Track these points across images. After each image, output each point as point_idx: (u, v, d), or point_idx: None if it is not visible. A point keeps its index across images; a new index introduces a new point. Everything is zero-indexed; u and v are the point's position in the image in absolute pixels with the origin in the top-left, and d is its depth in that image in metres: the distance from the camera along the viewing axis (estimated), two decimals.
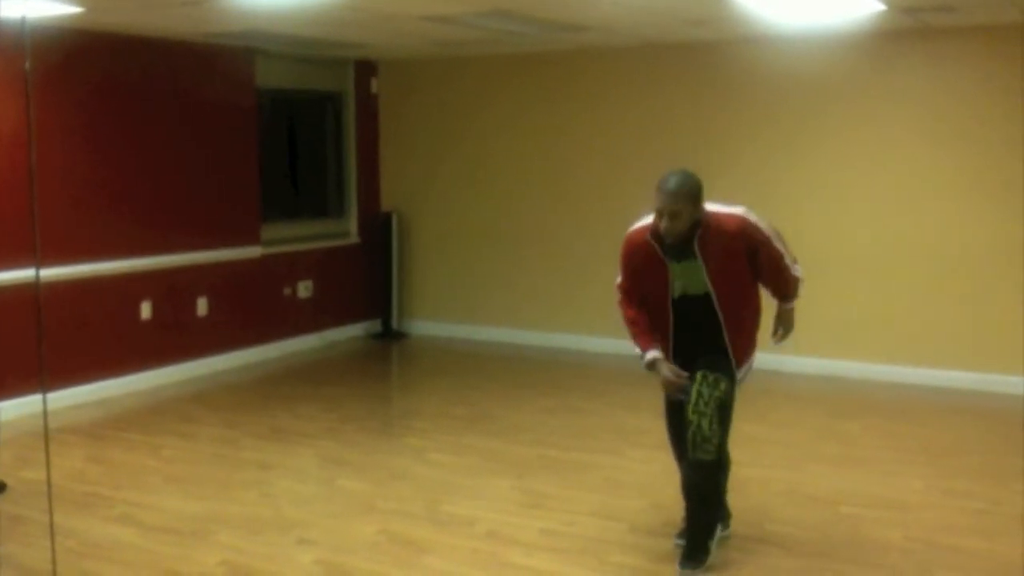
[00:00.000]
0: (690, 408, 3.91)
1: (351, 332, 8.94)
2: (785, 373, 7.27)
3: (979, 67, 6.80)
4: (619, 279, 4.17)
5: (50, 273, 6.33)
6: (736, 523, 4.43)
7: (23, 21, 5.76)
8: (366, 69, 8.96)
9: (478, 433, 6.06)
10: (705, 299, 3.97)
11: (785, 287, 4.14)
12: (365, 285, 9.01)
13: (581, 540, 4.40)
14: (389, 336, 8.96)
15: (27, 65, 5.59)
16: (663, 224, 3.83)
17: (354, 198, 9.00)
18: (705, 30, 6.90)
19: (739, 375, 4.09)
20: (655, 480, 5.07)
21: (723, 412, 3.96)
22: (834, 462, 5.49)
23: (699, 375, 3.93)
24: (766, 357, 7.21)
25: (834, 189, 7.33)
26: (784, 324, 4.24)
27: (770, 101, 7.47)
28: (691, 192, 3.84)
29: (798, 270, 4.12)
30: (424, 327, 9.09)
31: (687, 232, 3.86)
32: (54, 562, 3.74)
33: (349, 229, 9.02)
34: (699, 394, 3.90)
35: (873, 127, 7.19)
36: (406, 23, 6.51)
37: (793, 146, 7.45)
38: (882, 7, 5.80)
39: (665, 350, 4.08)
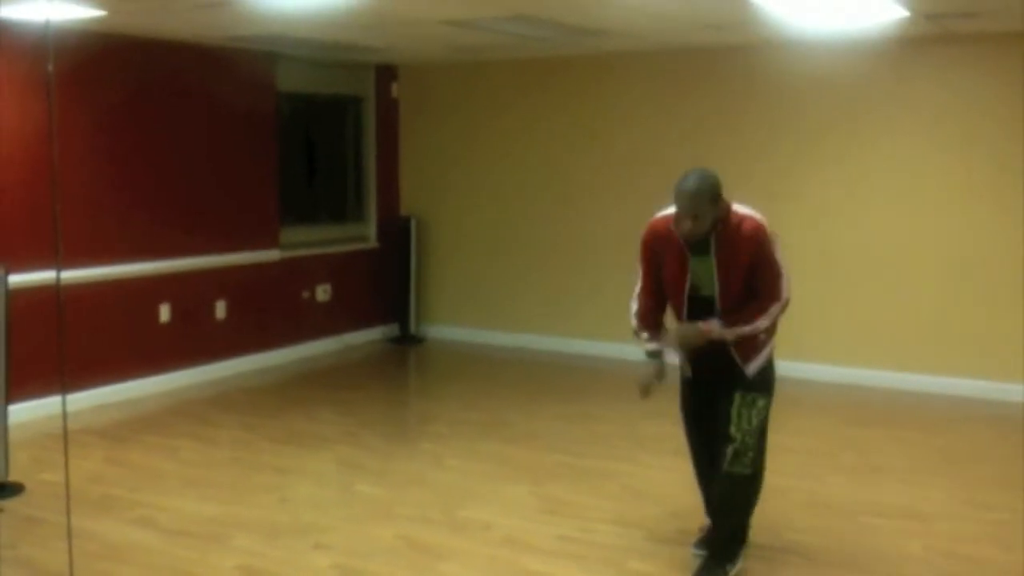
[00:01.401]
0: (732, 426, 3.88)
1: (369, 336, 8.95)
2: (802, 381, 7.21)
3: (1001, 74, 6.75)
4: (638, 287, 4.10)
5: (70, 275, 6.36)
6: (755, 532, 4.40)
7: (47, 24, 5.81)
8: (387, 73, 8.97)
9: (495, 439, 6.05)
10: (710, 302, 3.90)
11: (749, 307, 3.84)
12: (383, 289, 9.02)
13: (599, 547, 4.38)
14: (407, 340, 8.96)
15: (50, 68, 5.65)
16: (684, 227, 3.78)
17: (373, 202, 9.01)
18: (725, 35, 6.87)
19: (752, 369, 3.92)
20: (672, 488, 5.04)
21: (762, 428, 3.97)
22: (853, 471, 5.45)
23: (737, 396, 3.89)
24: (782, 364, 7.18)
25: (852, 196, 7.29)
26: (678, 331, 3.93)
27: (791, 106, 7.44)
28: (711, 192, 3.78)
29: (783, 293, 3.87)
30: (442, 332, 9.08)
31: (709, 231, 3.82)
32: (71, 564, 3.74)
33: (368, 233, 9.03)
34: (739, 414, 3.88)
35: (894, 134, 7.14)
36: (426, 27, 6.51)
37: (814, 152, 7.41)
38: (905, 13, 5.77)
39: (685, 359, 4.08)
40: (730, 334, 3.83)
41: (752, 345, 3.90)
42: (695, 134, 7.70)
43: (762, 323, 3.84)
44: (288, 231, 8.20)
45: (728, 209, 3.82)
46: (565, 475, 5.37)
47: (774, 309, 3.86)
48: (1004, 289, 6.81)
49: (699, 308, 3.91)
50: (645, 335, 4.07)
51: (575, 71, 8.21)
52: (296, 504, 4.94)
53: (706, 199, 3.75)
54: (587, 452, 5.77)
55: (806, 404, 6.85)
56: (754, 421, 3.90)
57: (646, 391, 4.03)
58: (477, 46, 7.44)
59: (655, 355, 4.05)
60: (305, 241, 8.41)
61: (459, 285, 9.02)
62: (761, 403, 3.92)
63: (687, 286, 3.91)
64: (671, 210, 3.90)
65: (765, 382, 3.97)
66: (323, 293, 8.50)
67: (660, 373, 4.03)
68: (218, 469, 5.48)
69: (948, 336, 7.03)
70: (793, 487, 5.14)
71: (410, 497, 5.02)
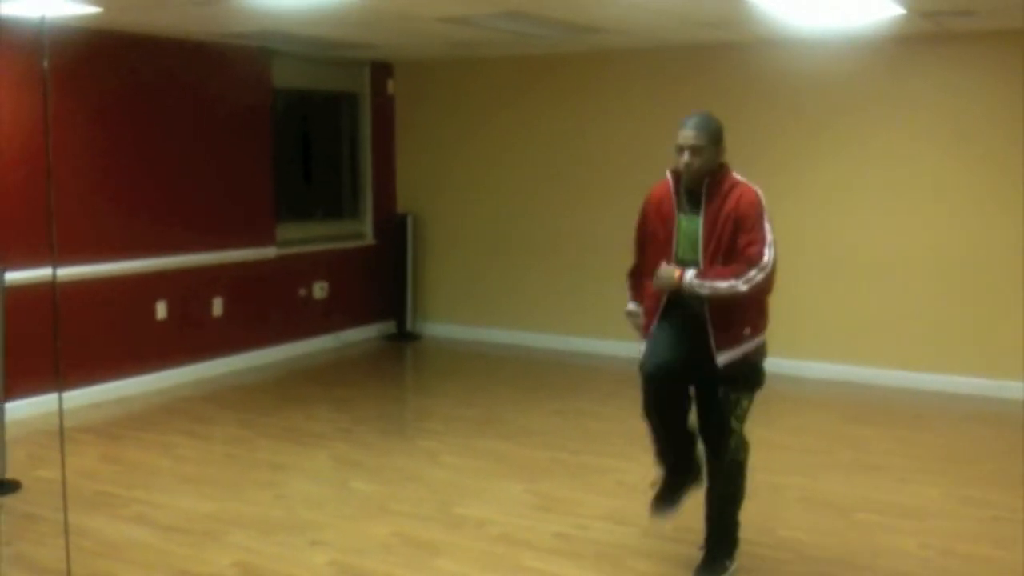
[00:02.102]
0: (732, 417, 3.86)
1: (365, 333, 8.95)
2: (798, 378, 7.24)
3: (997, 72, 6.76)
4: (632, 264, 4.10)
5: (66, 272, 6.35)
6: (750, 530, 4.40)
7: (42, 21, 5.80)
8: (382, 70, 8.97)
9: (490, 436, 6.06)
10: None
11: (738, 261, 3.67)
12: (380, 286, 9.02)
13: (594, 544, 4.39)
14: (403, 338, 8.96)
15: (45, 64, 5.64)
16: (683, 160, 3.73)
17: (369, 199, 9.01)
18: (722, 32, 6.87)
19: (725, 358, 3.77)
20: None
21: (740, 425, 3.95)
22: (848, 468, 5.46)
23: (723, 395, 3.85)
24: (779, 362, 7.17)
25: (850, 193, 7.29)
26: (665, 281, 3.77)
27: (788, 104, 7.44)
28: (715, 131, 3.76)
29: (764, 257, 3.66)
30: (438, 329, 9.09)
31: (703, 176, 3.75)
32: (68, 561, 3.74)
33: (364, 230, 9.03)
34: (736, 402, 3.85)
35: (890, 131, 7.15)
36: (422, 24, 6.51)
37: (809, 150, 7.42)
38: (901, 11, 5.77)
39: (652, 311, 3.94)
40: (701, 287, 3.67)
41: (733, 334, 3.76)
42: None
43: (738, 285, 3.63)
44: (284, 228, 8.20)
45: (726, 167, 3.81)
46: (561, 472, 5.38)
47: (753, 274, 3.64)
48: (1002, 287, 6.82)
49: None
50: (630, 297, 4.12)
51: (572, 68, 8.21)
52: (292, 501, 4.94)
53: (709, 135, 3.74)
54: (583, 449, 5.78)
55: (803, 401, 6.86)
56: (738, 423, 3.90)
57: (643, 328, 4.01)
58: (473, 43, 7.44)
59: (632, 315, 4.09)
60: (301, 238, 8.41)
61: (456, 282, 9.02)
62: (746, 403, 3.89)
63: (674, 252, 3.82)
64: (668, 175, 3.89)
65: (750, 383, 3.88)
66: (320, 290, 8.50)
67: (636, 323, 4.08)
68: (214, 466, 5.48)
69: (945, 334, 7.04)
70: (789, 484, 5.15)
71: (406, 494, 5.03)
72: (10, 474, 5.09)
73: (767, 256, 3.67)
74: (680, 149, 3.76)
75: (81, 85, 6.55)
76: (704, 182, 3.77)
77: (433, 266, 9.11)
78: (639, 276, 4.07)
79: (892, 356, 7.22)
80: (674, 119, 7.91)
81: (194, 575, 4.07)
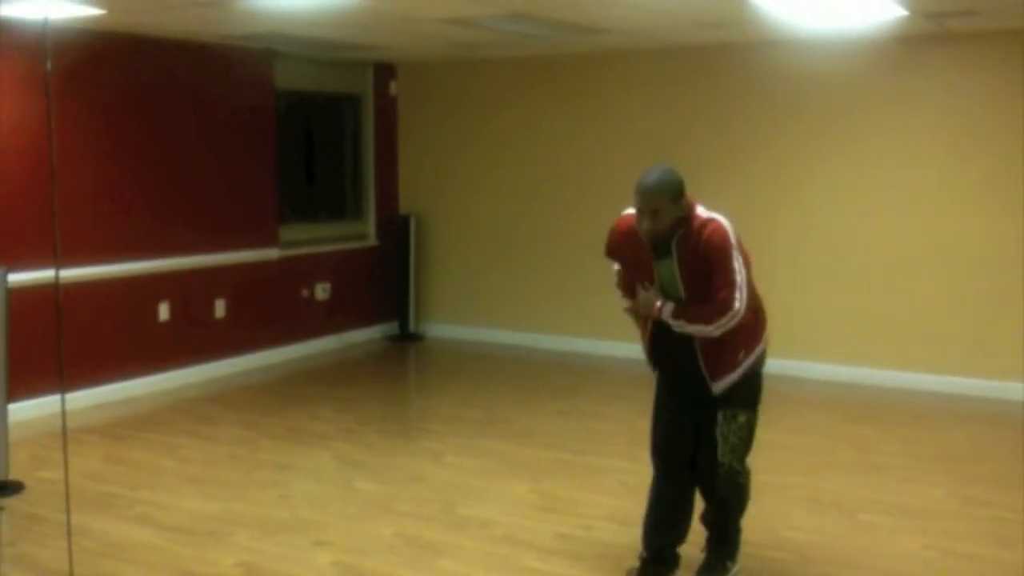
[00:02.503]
0: (720, 451, 3.77)
1: (368, 334, 8.96)
2: (800, 378, 7.24)
3: (1000, 72, 6.75)
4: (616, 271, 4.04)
5: (69, 274, 6.37)
6: (753, 530, 4.40)
7: (45, 23, 5.81)
8: (385, 71, 8.97)
9: (493, 436, 6.06)
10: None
11: (703, 305, 3.64)
12: (382, 287, 9.03)
13: (597, 545, 4.39)
14: (406, 338, 8.97)
15: (48, 66, 5.65)
16: (643, 225, 3.64)
17: (372, 200, 9.02)
18: (724, 33, 6.88)
19: (721, 386, 3.75)
20: None
21: (747, 445, 3.84)
22: (851, 468, 5.46)
23: (720, 415, 3.76)
24: (780, 363, 7.16)
25: (852, 194, 7.29)
26: (645, 308, 3.77)
27: (789, 105, 7.44)
28: (671, 189, 3.62)
29: (735, 303, 3.59)
30: (441, 330, 9.09)
31: (670, 231, 3.65)
32: (71, 562, 3.75)
33: (367, 231, 9.04)
34: (723, 436, 3.76)
35: (892, 132, 7.15)
36: (425, 26, 6.52)
37: (811, 151, 7.42)
38: (904, 12, 5.77)
39: (648, 353, 3.93)
40: (675, 325, 3.67)
41: (725, 360, 3.73)
42: (693, 132, 7.71)
43: (711, 331, 3.62)
44: (287, 229, 8.20)
45: (691, 211, 3.67)
46: (563, 472, 5.38)
47: (725, 321, 3.60)
48: (1003, 288, 6.81)
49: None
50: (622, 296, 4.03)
51: (574, 69, 8.21)
52: (295, 501, 4.95)
53: (666, 196, 3.61)
54: (585, 449, 5.78)
55: (805, 401, 6.86)
56: (735, 439, 3.77)
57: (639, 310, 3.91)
58: (476, 44, 7.44)
59: (631, 310, 3.98)
60: (304, 239, 8.42)
61: (458, 283, 9.03)
62: (742, 418, 3.78)
63: (656, 283, 3.77)
64: (632, 210, 3.77)
65: (746, 396, 3.80)
66: (322, 291, 8.51)
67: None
68: (218, 466, 5.49)
69: (947, 334, 7.04)
70: (791, 484, 5.15)
71: (409, 494, 5.03)
72: (13, 475, 5.10)
73: (737, 303, 3.59)
74: (639, 213, 3.66)
75: (84, 87, 6.56)
76: (675, 235, 3.66)
77: (436, 267, 9.12)
78: (625, 281, 4.00)
79: (894, 357, 7.21)
80: (676, 120, 7.99)
81: (198, 575, 4.07)
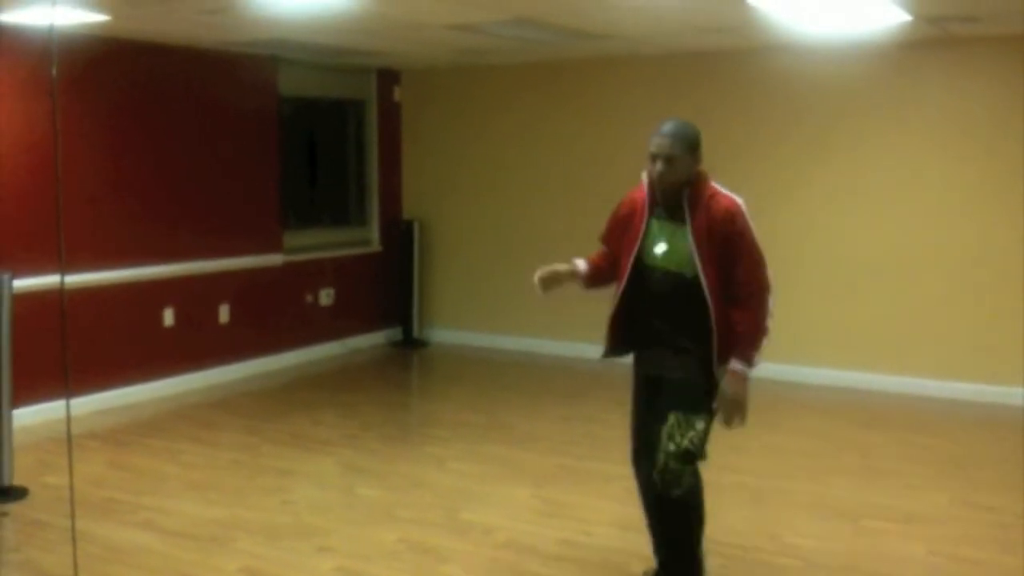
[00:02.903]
0: (660, 452, 3.50)
1: (372, 340, 8.96)
2: (803, 384, 7.23)
3: (1003, 77, 6.75)
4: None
5: (74, 279, 6.37)
6: (756, 536, 4.40)
7: (51, 29, 5.82)
8: (388, 77, 8.99)
9: (496, 441, 6.06)
10: (684, 282, 3.52)
11: (744, 313, 3.46)
12: (386, 293, 9.03)
13: (600, 551, 4.38)
14: (409, 344, 8.97)
15: (54, 72, 5.66)
16: (656, 169, 3.49)
17: (376, 206, 9.03)
18: (727, 38, 6.88)
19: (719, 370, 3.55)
20: None
21: (695, 454, 3.51)
22: (856, 474, 5.45)
23: (672, 418, 3.48)
24: (783, 368, 7.15)
25: (855, 199, 7.29)
26: (734, 402, 3.49)
27: (792, 110, 7.45)
28: (689, 139, 3.51)
29: (767, 307, 3.48)
30: (444, 335, 9.10)
31: (679, 187, 3.52)
32: (75, 567, 3.75)
33: (371, 237, 9.05)
34: (670, 436, 3.48)
35: (895, 137, 7.15)
36: (430, 32, 6.52)
37: (814, 156, 7.41)
38: (907, 17, 5.78)
39: (615, 336, 3.76)
40: (756, 363, 3.48)
41: (731, 342, 3.54)
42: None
43: (766, 324, 3.50)
44: (291, 235, 8.21)
45: (705, 176, 3.57)
46: (567, 478, 5.38)
47: (771, 304, 3.50)
48: (1007, 293, 6.80)
49: (662, 292, 3.60)
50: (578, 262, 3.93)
51: (578, 74, 8.22)
52: (298, 507, 4.95)
53: (684, 144, 3.49)
54: (589, 455, 5.78)
55: (809, 407, 6.85)
56: (685, 443, 3.47)
57: (549, 280, 3.88)
58: (479, 49, 7.45)
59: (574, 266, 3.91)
60: (308, 245, 8.43)
61: (462, 289, 9.03)
62: (700, 426, 3.50)
63: (637, 256, 3.62)
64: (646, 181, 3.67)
65: (708, 399, 3.55)
66: (326, 297, 8.51)
67: (566, 276, 3.89)
68: (221, 472, 5.49)
69: (950, 340, 7.03)
70: (794, 489, 5.14)
71: (412, 500, 5.03)
72: (18, 481, 5.10)
73: (771, 278, 3.52)
74: (653, 158, 3.52)
75: (89, 92, 6.58)
76: (683, 193, 3.53)
77: (439, 272, 9.12)
78: (600, 258, 3.92)
79: (898, 362, 7.20)
80: None
81: None
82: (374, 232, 9.05)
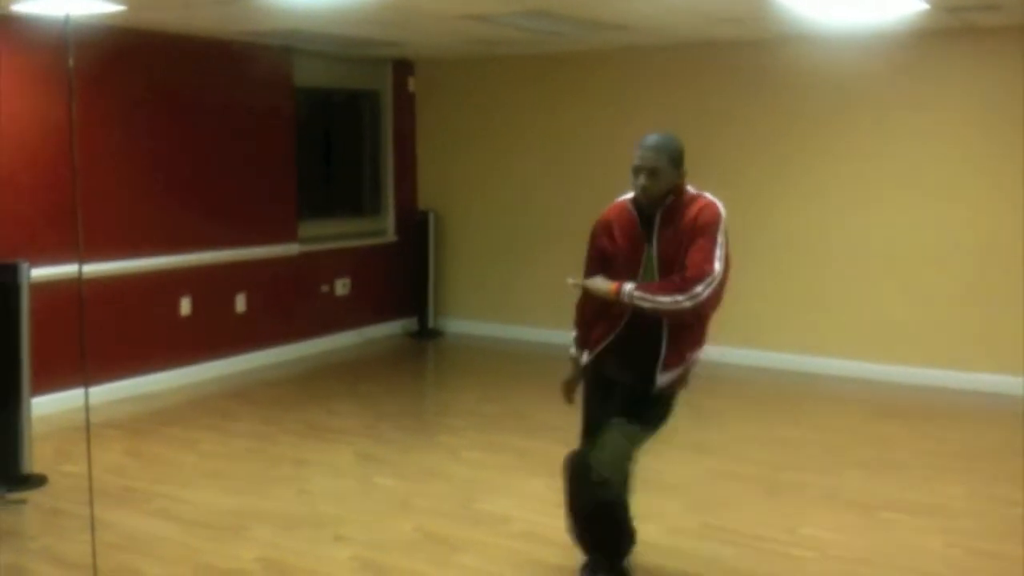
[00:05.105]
0: (594, 451, 3.63)
1: (388, 330, 8.97)
2: (819, 375, 7.20)
3: (1022, 67, 6.69)
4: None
5: (91, 269, 6.40)
6: (772, 528, 4.39)
7: (67, 19, 5.84)
8: (403, 68, 8.98)
9: (512, 431, 6.07)
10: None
11: (668, 281, 3.42)
12: (402, 283, 9.04)
13: None
14: (425, 334, 8.98)
15: (70, 63, 5.68)
16: (639, 182, 3.50)
17: (391, 196, 9.03)
18: (744, 28, 6.85)
19: (665, 379, 3.59)
20: (690, 481, 5.04)
21: (632, 456, 3.64)
22: (872, 466, 5.43)
23: (615, 423, 3.60)
24: (798, 359, 7.10)
25: (872, 190, 7.25)
26: (586, 284, 3.68)
27: (809, 100, 7.40)
28: (673, 152, 3.51)
29: (714, 266, 3.40)
30: (460, 325, 9.10)
31: (662, 197, 3.51)
32: (94, 555, 3.78)
33: (386, 227, 9.06)
34: (612, 438, 3.59)
35: (912, 128, 7.10)
36: (444, 22, 6.52)
37: (832, 146, 7.37)
38: (925, 6, 5.73)
39: (600, 339, 3.77)
40: (643, 299, 3.41)
41: (679, 353, 3.57)
42: (713, 128, 7.67)
43: (682, 301, 3.36)
44: (306, 225, 8.23)
45: (683, 186, 3.56)
46: None
47: (699, 290, 3.36)
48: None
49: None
50: (575, 336, 3.99)
51: (592, 65, 8.20)
52: (315, 496, 4.97)
53: (667, 157, 3.49)
54: None
55: (824, 399, 6.83)
56: (624, 450, 3.60)
57: (569, 391, 4.01)
58: (494, 40, 7.44)
59: (574, 359, 3.98)
60: (323, 235, 8.44)
61: (477, 279, 9.03)
62: (642, 437, 3.62)
63: (641, 270, 3.57)
64: (628, 195, 3.67)
65: (659, 416, 3.65)
66: (342, 287, 8.53)
67: (579, 376, 3.92)
68: (238, 461, 5.52)
69: (968, 331, 6.99)
70: (811, 482, 5.13)
71: (428, 489, 5.04)
72: (37, 469, 5.14)
73: (717, 267, 3.40)
74: (636, 171, 3.52)
75: (105, 83, 6.60)
76: (661, 205, 3.53)
77: (454, 263, 9.13)
78: (587, 304, 3.86)
79: (914, 353, 7.17)
80: (696, 116, 7.95)
81: (218, 570, 4.09)
82: (389, 222, 9.06)
